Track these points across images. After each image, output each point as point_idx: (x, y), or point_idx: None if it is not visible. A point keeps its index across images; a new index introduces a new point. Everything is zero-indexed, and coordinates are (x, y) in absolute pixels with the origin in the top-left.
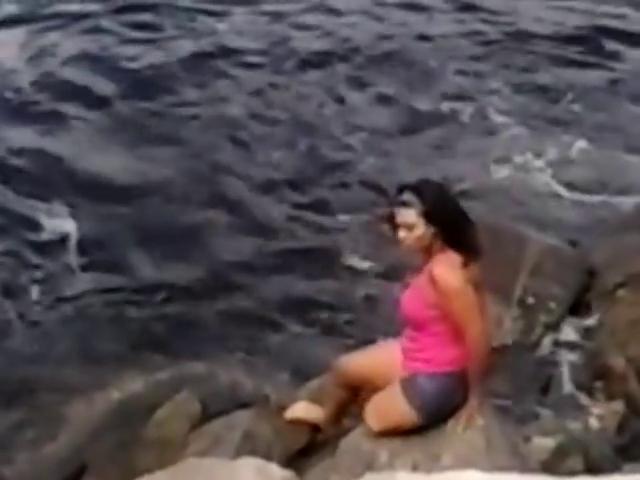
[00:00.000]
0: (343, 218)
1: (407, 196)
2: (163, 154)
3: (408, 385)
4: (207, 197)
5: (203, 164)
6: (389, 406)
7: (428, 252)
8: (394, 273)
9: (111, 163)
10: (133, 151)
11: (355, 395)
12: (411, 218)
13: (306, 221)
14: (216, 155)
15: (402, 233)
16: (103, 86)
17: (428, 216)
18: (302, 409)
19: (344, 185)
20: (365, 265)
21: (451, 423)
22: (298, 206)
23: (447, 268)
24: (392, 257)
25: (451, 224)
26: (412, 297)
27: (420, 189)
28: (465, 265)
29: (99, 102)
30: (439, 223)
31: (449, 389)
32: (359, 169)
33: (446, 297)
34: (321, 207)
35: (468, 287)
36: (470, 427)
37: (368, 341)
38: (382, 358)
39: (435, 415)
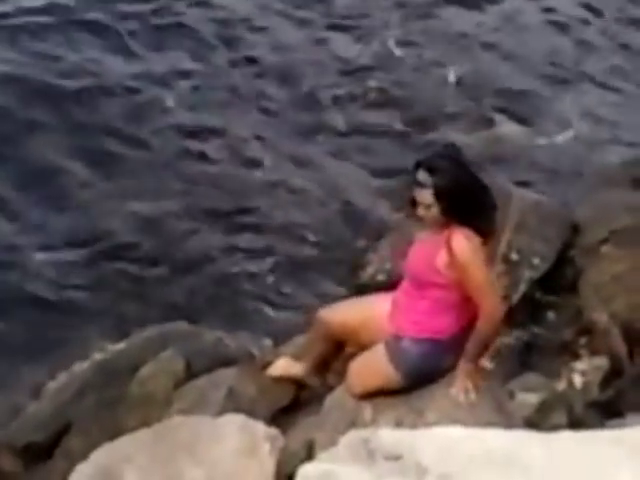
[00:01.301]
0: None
1: (422, 175)
2: None
3: (393, 347)
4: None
5: None
6: (372, 368)
7: (447, 227)
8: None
9: None
10: None
11: (338, 349)
12: (427, 198)
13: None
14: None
15: (421, 211)
16: None
17: (441, 196)
18: (283, 366)
19: None
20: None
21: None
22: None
23: (466, 240)
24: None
25: (465, 204)
26: (419, 255)
27: (434, 167)
28: (484, 242)
29: None
30: (452, 203)
31: (435, 355)
32: None
33: (464, 269)
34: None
35: (485, 261)
36: (467, 393)
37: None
38: (369, 313)
39: (419, 379)
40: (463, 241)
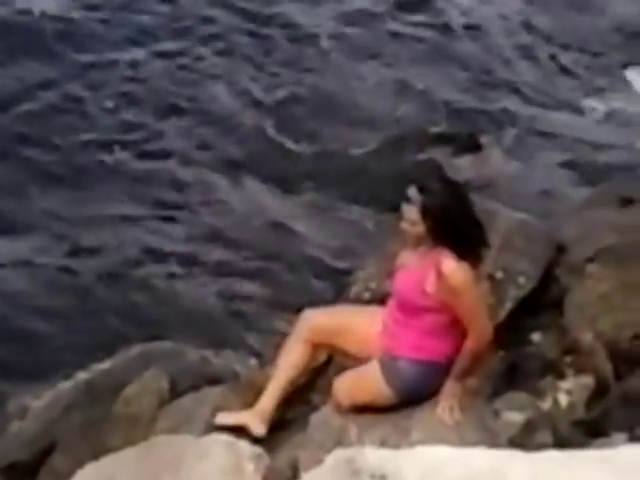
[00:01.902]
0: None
1: (412, 191)
2: None
3: (389, 367)
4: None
5: None
6: (364, 382)
7: (430, 248)
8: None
9: None
10: None
11: (313, 367)
12: (412, 214)
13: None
14: None
15: (404, 225)
16: None
17: (426, 216)
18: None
19: None
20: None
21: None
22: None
23: (456, 263)
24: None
25: (450, 230)
26: (408, 281)
27: (426, 187)
28: (472, 266)
29: None
30: (437, 226)
31: (431, 377)
32: None
33: (455, 293)
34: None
35: (476, 283)
36: (452, 412)
37: None
38: (358, 320)
39: (412, 399)
40: (453, 264)
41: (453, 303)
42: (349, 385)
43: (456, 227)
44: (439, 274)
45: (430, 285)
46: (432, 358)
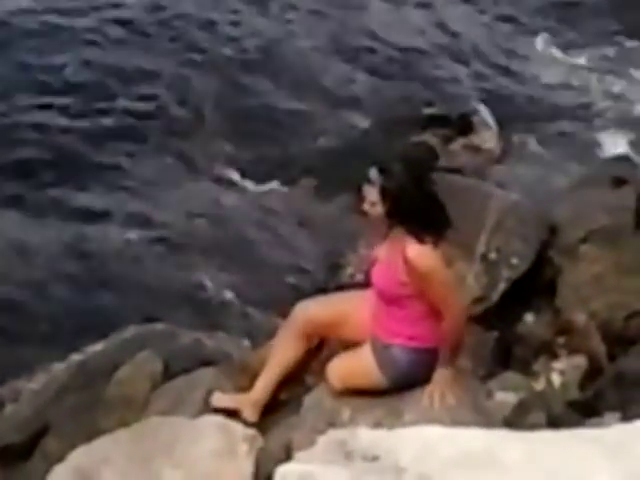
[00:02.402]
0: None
1: (372, 172)
2: None
3: (382, 353)
4: None
5: None
6: (357, 367)
7: (391, 228)
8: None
9: None
10: None
11: (307, 352)
12: (372, 195)
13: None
14: None
15: (365, 206)
16: None
17: (385, 197)
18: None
19: None
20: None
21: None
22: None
23: (419, 247)
24: None
25: (408, 211)
26: (382, 273)
27: (385, 168)
28: (435, 245)
29: None
30: (396, 207)
31: (424, 363)
32: None
33: (423, 279)
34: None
35: (443, 265)
36: (443, 398)
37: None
38: (350, 307)
39: (405, 384)
40: (417, 249)
41: (423, 287)
42: (342, 369)
43: (414, 207)
44: (405, 260)
45: (402, 274)
46: (424, 344)
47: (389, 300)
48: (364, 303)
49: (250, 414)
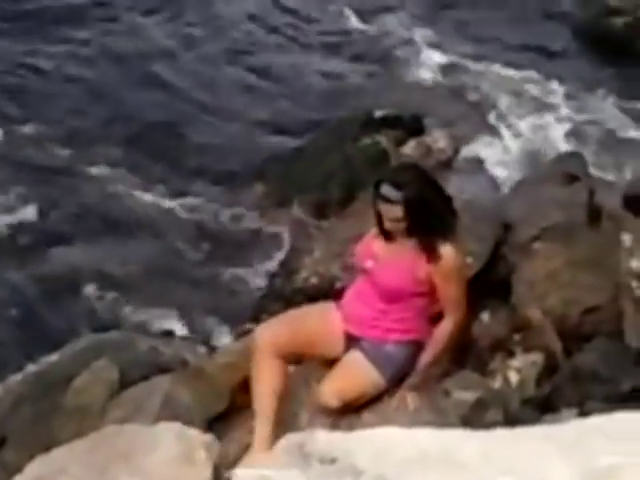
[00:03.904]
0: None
1: (387, 190)
2: None
3: (376, 353)
4: None
5: None
6: (352, 376)
7: (410, 237)
8: None
9: None
10: None
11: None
12: (397, 213)
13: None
14: None
15: (390, 226)
16: None
17: (411, 209)
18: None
19: None
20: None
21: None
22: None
23: (452, 248)
24: None
25: (433, 214)
26: (396, 273)
27: (401, 181)
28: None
29: None
30: (422, 215)
31: (418, 356)
32: None
33: (448, 277)
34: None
35: (464, 268)
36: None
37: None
38: (316, 325)
39: (401, 380)
40: (450, 249)
41: (443, 286)
42: (337, 384)
43: (436, 210)
44: (434, 258)
45: (422, 272)
46: (418, 337)
47: (394, 297)
48: (326, 315)
49: (270, 459)
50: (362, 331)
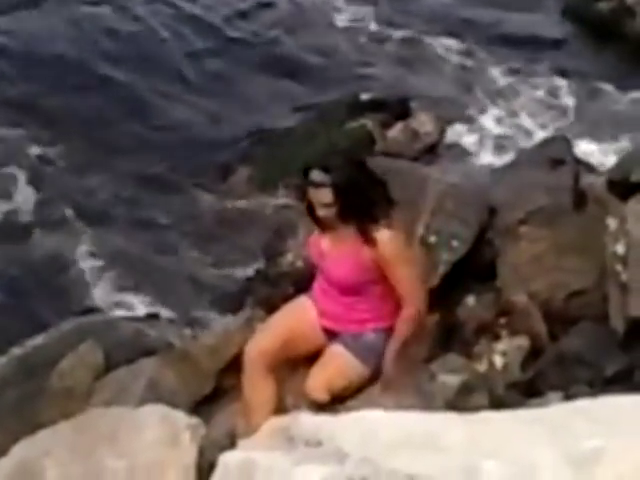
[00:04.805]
0: None
1: (317, 175)
2: None
3: (356, 344)
4: None
5: None
6: (336, 370)
7: (344, 223)
8: None
9: None
10: None
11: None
12: (325, 197)
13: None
14: None
15: (321, 212)
16: None
17: (338, 193)
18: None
19: None
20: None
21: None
22: None
23: (389, 232)
24: None
25: (363, 198)
26: (341, 264)
27: (330, 165)
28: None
29: None
30: (352, 199)
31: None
32: None
33: (390, 262)
34: None
35: (410, 249)
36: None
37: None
38: (297, 324)
39: (381, 367)
40: (387, 233)
41: (389, 272)
42: (323, 379)
43: (367, 195)
44: (371, 243)
45: (366, 258)
46: (392, 322)
47: (352, 290)
48: (305, 311)
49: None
50: (339, 325)
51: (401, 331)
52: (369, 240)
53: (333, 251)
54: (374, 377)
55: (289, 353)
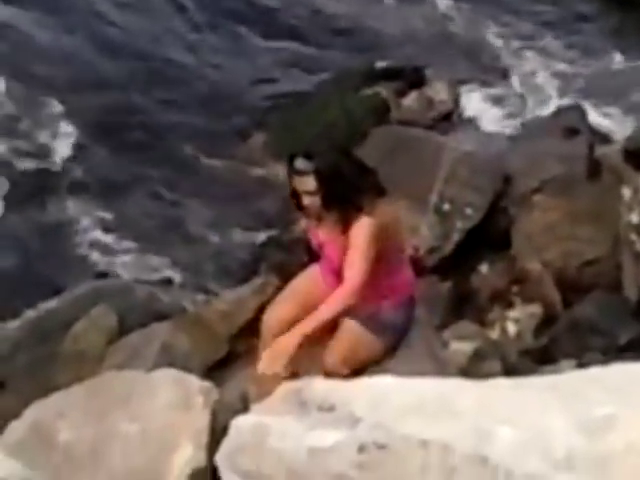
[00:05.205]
0: None
1: (301, 163)
2: None
3: (373, 321)
4: None
5: None
6: (355, 346)
7: (328, 211)
8: None
9: None
10: None
11: None
12: (309, 185)
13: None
14: None
15: (306, 200)
16: None
17: (322, 179)
18: None
19: None
20: None
21: None
22: None
23: (368, 220)
24: None
25: (347, 184)
26: (338, 252)
27: (312, 152)
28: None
29: None
30: (335, 185)
31: (410, 312)
32: None
33: (352, 242)
34: None
35: (373, 237)
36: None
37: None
38: (309, 289)
39: (400, 339)
40: (365, 220)
41: (348, 251)
42: (341, 355)
43: (351, 182)
44: (348, 229)
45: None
46: (402, 295)
47: None
48: (317, 278)
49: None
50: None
51: (327, 307)
52: (348, 227)
53: (327, 240)
54: (393, 349)
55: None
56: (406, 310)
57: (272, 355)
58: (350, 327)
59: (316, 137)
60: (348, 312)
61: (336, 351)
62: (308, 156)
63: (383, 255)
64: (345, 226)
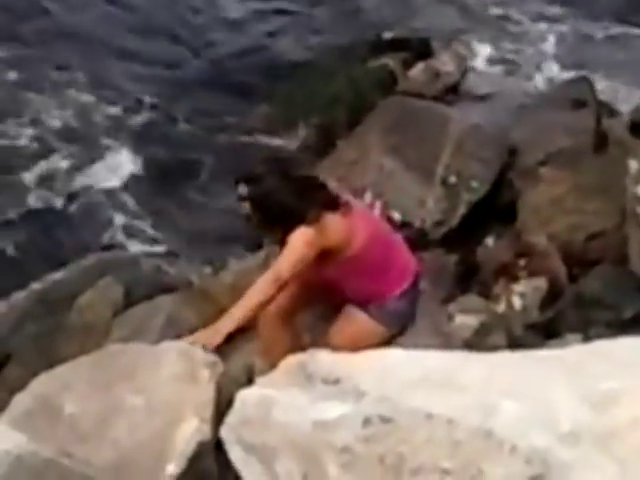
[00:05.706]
0: None
1: (240, 189)
2: None
3: (380, 312)
4: None
5: None
6: (362, 335)
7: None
8: None
9: None
10: None
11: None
12: (247, 209)
13: None
14: None
15: (254, 221)
16: None
17: (255, 205)
18: None
19: None
20: None
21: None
22: None
23: (304, 232)
24: None
25: (281, 207)
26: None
27: (250, 177)
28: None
29: None
30: (267, 210)
31: (416, 296)
32: None
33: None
34: None
35: (306, 244)
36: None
37: None
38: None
39: (406, 325)
40: (299, 232)
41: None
42: (346, 342)
43: (286, 204)
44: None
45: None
46: (402, 283)
47: (331, 283)
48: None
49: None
50: (357, 300)
51: (245, 297)
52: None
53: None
54: (400, 334)
55: (311, 298)
56: (409, 295)
57: (202, 339)
58: (360, 318)
59: (262, 159)
60: (270, 301)
61: (343, 337)
62: (247, 181)
63: (366, 258)
64: (284, 241)
